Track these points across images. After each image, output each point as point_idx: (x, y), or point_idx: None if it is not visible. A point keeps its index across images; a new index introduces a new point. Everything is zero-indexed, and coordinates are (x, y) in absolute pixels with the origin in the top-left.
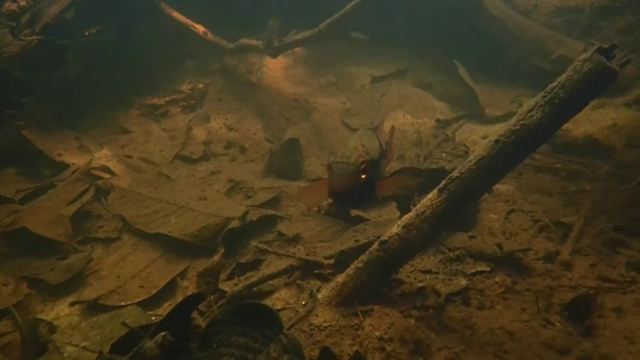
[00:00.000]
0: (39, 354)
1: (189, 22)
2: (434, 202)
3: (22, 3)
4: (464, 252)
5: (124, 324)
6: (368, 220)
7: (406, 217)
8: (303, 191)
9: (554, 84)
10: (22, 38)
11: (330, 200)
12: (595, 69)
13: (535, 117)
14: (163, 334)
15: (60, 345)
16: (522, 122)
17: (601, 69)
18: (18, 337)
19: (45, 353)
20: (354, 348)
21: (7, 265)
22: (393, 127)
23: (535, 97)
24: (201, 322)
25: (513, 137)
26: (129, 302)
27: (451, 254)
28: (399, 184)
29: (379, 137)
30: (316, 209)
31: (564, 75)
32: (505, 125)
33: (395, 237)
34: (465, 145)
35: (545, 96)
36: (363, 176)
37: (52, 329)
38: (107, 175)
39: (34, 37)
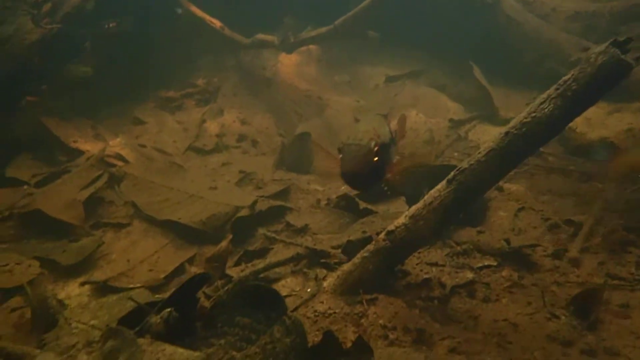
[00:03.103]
0: (49, 327)
1: (207, 16)
2: (442, 193)
3: None
4: (471, 247)
5: (130, 298)
6: (376, 213)
7: (414, 207)
8: (321, 160)
9: (567, 76)
10: (43, 26)
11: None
12: (610, 61)
13: (547, 109)
14: (168, 310)
15: (69, 318)
16: (533, 114)
17: (615, 61)
18: (29, 312)
19: (55, 327)
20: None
21: (21, 245)
22: (404, 115)
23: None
24: (207, 304)
25: (524, 129)
26: (138, 285)
27: (458, 247)
28: (409, 165)
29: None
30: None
31: (577, 68)
32: (516, 117)
33: (402, 227)
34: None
35: (557, 89)
36: (375, 158)
37: (62, 306)
38: (120, 163)
39: (54, 26)
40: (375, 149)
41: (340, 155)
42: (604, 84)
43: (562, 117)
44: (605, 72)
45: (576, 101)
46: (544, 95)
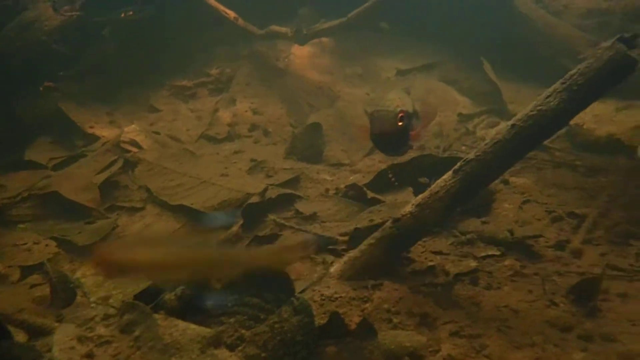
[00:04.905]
0: (68, 303)
1: (221, 7)
2: (448, 183)
3: None
4: (475, 236)
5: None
6: (384, 202)
7: (420, 196)
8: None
9: (573, 71)
10: (63, 13)
11: (351, 181)
12: (616, 57)
13: (552, 102)
14: (182, 287)
15: (89, 292)
16: (539, 107)
17: (621, 57)
18: (48, 288)
19: (73, 303)
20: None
21: (39, 225)
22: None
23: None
24: (217, 285)
25: (530, 122)
26: None
27: (463, 237)
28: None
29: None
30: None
31: (584, 63)
32: (523, 110)
33: (409, 215)
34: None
35: (564, 82)
36: (400, 123)
37: (78, 285)
38: (135, 149)
39: (74, 13)
40: (400, 114)
41: (370, 121)
42: (609, 79)
43: (567, 110)
44: (611, 67)
45: (582, 95)
46: (551, 89)
